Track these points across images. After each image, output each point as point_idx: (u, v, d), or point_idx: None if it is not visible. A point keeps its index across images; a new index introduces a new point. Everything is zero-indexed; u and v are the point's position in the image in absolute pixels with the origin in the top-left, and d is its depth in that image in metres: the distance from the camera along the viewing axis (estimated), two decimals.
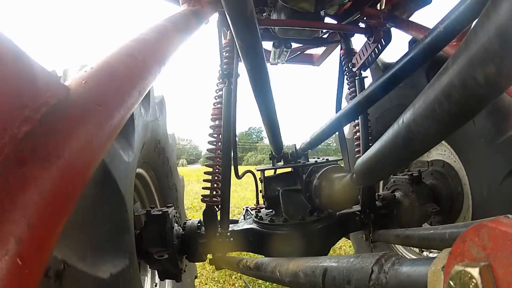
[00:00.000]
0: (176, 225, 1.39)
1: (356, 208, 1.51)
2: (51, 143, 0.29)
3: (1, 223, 0.23)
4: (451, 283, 0.24)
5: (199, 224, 1.44)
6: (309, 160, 1.73)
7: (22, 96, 0.29)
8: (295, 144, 1.74)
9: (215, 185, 1.46)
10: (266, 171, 1.66)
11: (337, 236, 1.50)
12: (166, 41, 0.67)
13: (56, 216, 0.28)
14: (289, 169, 1.66)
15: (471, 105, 0.42)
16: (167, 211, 1.33)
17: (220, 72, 1.58)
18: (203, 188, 1.48)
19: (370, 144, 1.52)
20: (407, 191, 1.52)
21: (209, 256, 1.45)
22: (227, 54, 1.59)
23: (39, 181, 0.26)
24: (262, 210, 1.67)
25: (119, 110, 0.42)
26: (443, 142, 1.63)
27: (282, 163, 1.76)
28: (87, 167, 0.34)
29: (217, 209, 1.43)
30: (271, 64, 2.24)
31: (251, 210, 2.09)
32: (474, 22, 0.39)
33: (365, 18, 1.59)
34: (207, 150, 1.52)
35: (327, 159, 1.63)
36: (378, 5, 1.57)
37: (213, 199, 1.45)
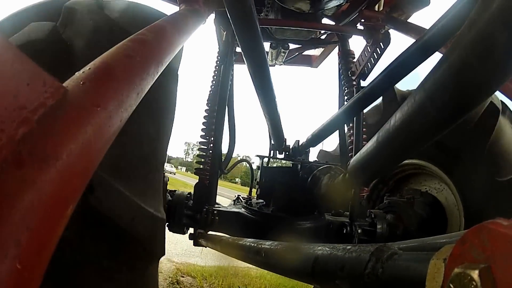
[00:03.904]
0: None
1: (345, 219, 1.50)
2: (49, 145, 0.29)
3: (0, 226, 0.22)
4: (451, 285, 0.24)
5: (188, 196, 1.45)
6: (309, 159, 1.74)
7: (19, 97, 0.29)
8: (298, 140, 1.76)
9: (209, 159, 1.48)
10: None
11: (322, 242, 1.48)
12: (164, 41, 0.67)
13: (56, 218, 0.28)
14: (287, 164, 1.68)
15: (462, 105, 0.43)
16: (163, 173, 1.33)
17: (217, 66, 1.60)
18: (197, 162, 1.50)
19: (364, 143, 1.53)
20: (404, 214, 1.51)
21: (190, 230, 1.46)
22: (223, 53, 1.60)
23: (38, 183, 0.26)
24: (253, 199, 1.68)
25: (118, 111, 0.42)
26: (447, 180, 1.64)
27: (283, 156, 1.78)
28: (86, 168, 0.33)
29: (208, 185, 1.45)
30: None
31: (243, 198, 2.10)
32: (464, 24, 0.39)
33: (363, 20, 1.59)
34: (202, 123, 1.54)
35: (326, 161, 1.64)
36: (376, 6, 1.57)
37: (206, 173, 1.46)
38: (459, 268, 0.24)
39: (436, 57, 0.98)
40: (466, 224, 1.49)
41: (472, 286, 0.23)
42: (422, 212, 1.62)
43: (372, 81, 1.12)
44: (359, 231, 1.43)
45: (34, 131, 0.28)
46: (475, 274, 0.23)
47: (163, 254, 0.91)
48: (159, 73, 0.60)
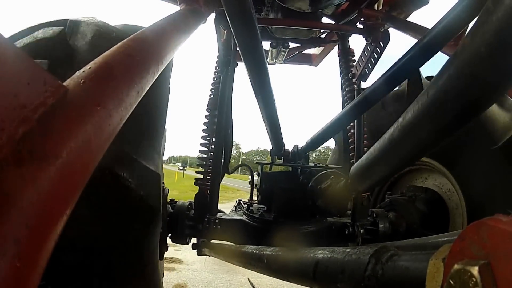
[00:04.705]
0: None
1: (347, 219, 1.50)
2: (49, 144, 0.29)
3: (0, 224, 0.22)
4: (451, 281, 0.24)
5: (189, 206, 1.46)
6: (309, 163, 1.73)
7: (19, 96, 0.29)
8: (297, 145, 1.75)
9: (209, 169, 1.48)
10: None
11: (325, 244, 1.48)
12: (164, 41, 0.67)
13: (55, 216, 0.28)
14: (288, 168, 1.67)
15: (467, 110, 0.42)
16: (163, 185, 1.34)
17: (217, 68, 1.60)
18: (197, 172, 1.50)
19: (366, 149, 1.52)
20: (405, 212, 1.50)
21: (193, 240, 1.46)
22: (224, 53, 1.59)
23: (38, 181, 0.26)
24: (254, 204, 1.67)
25: (118, 110, 0.42)
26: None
27: (282, 161, 1.77)
28: (85, 167, 0.33)
29: (209, 194, 1.45)
30: (268, 64, 2.24)
31: (244, 203, 2.09)
32: (472, 24, 0.39)
33: (362, 19, 1.59)
34: (202, 130, 1.55)
35: (326, 165, 1.63)
36: (376, 5, 1.57)
37: (206, 183, 1.46)
38: (459, 265, 0.24)
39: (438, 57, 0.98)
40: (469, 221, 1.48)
41: (472, 283, 0.23)
42: (424, 209, 1.61)
43: (374, 83, 1.11)
44: (362, 231, 1.42)
45: (34, 130, 0.28)
46: (474, 270, 0.23)
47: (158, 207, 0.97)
48: (159, 72, 0.60)
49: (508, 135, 1.33)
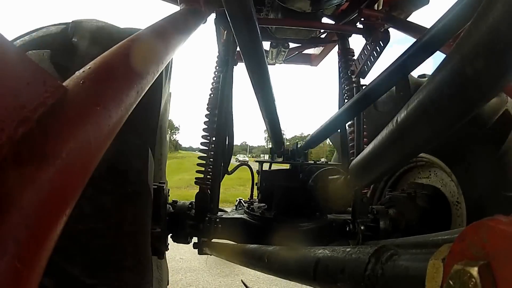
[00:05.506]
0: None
1: (348, 216, 1.50)
2: (49, 144, 0.29)
3: None
4: (451, 282, 0.24)
5: (189, 206, 1.46)
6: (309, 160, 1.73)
7: (19, 96, 0.29)
8: (296, 142, 1.76)
9: (210, 168, 1.48)
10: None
11: (326, 241, 1.48)
12: (164, 41, 0.67)
13: (55, 216, 0.28)
14: (288, 166, 1.68)
15: (464, 106, 0.42)
16: (163, 186, 1.34)
17: (217, 67, 1.60)
18: (197, 171, 1.50)
19: (365, 146, 1.52)
20: (405, 209, 1.50)
21: (194, 239, 1.46)
22: (223, 53, 1.59)
23: (37, 182, 0.26)
24: (255, 203, 1.67)
25: (117, 110, 0.42)
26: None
27: (282, 159, 1.77)
28: (85, 167, 0.34)
29: (210, 193, 1.45)
30: (268, 64, 2.24)
31: (244, 202, 2.09)
32: (469, 23, 0.39)
33: (362, 19, 1.59)
34: (202, 130, 1.55)
35: (326, 162, 1.63)
36: (376, 5, 1.57)
37: (207, 182, 1.47)
38: (459, 265, 0.24)
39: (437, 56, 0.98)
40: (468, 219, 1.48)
41: (472, 283, 0.22)
42: (425, 206, 1.61)
43: (373, 81, 1.11)
44: (362, 228, 1.42)
45: (33, 130, 0.28)
46: (474, 271, 0.23)
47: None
48: (159, 72, 0.60)
49: (496, 116, 1.37)
